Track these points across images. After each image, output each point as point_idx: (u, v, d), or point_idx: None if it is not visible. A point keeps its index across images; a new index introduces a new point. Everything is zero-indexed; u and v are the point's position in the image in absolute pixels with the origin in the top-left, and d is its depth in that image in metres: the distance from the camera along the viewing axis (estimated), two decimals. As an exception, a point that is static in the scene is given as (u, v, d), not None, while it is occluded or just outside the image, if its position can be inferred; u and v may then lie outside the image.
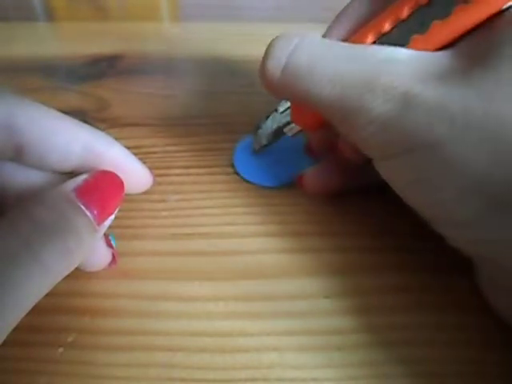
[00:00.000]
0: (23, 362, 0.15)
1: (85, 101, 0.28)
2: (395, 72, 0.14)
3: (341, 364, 0.15)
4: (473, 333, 0.16)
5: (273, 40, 0.16)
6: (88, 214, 0.13)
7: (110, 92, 0.28)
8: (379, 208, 0.20)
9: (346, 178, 0.20)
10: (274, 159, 0.22)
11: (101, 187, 0.14)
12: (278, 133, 0.20)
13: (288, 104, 0.20)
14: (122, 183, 0.15)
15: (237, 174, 0.22)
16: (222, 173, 0.22)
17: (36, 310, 0.14)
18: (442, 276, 0.17)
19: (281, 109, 0.20)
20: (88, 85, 0.29)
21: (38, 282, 0.12)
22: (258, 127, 0.21)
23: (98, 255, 0.16)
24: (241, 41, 0.34)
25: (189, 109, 0.27)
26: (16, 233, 0.12)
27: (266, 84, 0.17)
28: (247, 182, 0.21)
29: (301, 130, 0.19)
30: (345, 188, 0.20)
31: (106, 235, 0.17)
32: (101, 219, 0.14)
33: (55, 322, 0.16)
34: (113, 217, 0.15)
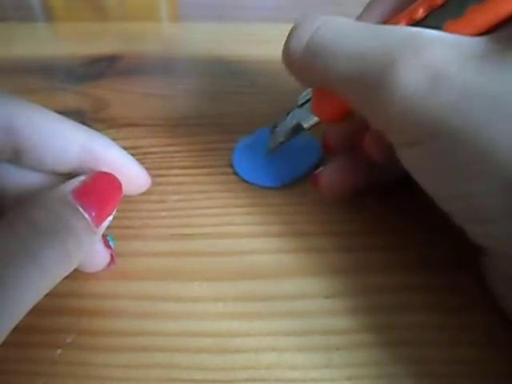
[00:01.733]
0: (22, 363, 0.15)
1: (83, 101, 0.28)
2: (426, 50, 0.13)
3: (340, 364, 0.15)
4: (478, 333, 0.15)
5: (297, 19, 0.16)
6: (86, 215, 0.13)
7: (109, 92, 0.28)
8: (380, 207, 0.20)
9: (363, 177, 0.19)
10: (273, 159, 0.22)
11: (99, 189, 0.14)
12: (297, 128, 0.19)
13: (308, 96, 0.19)
14: (120, 185, 0.15)
15: (236, 174, 0.22)
16: (222, 173, 0.22)
17: (34, 310, 0.14)
18: (446, 275, 0.17)
19: (301, 99, 0.19)
20: (87, 85, 0.29)
21: (36, 284, 0.12)
22: (276, 125, 0.21)
23: (96, 256, 0.16)
24: (240, 41, 0.34)
25: (188, 109, 0.27)
26: (14, 235, 0.12)
27: (288, 63, 0.16)
28: (246, 182, 0.21)
29: (318, 123, 0.18)
30: (361, 188, 0.19)
31: (104, 236, 0.17)
32: (99, 221, 0.14)
33: (54, 322, 0.16)
34: (111, 218, 0.15)
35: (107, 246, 0.17)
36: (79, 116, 0.26)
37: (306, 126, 0.19)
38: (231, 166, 0.22)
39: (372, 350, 0.15)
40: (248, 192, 0.21)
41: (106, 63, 0.32)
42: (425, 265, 0.18)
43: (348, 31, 0.15)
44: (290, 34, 0.16)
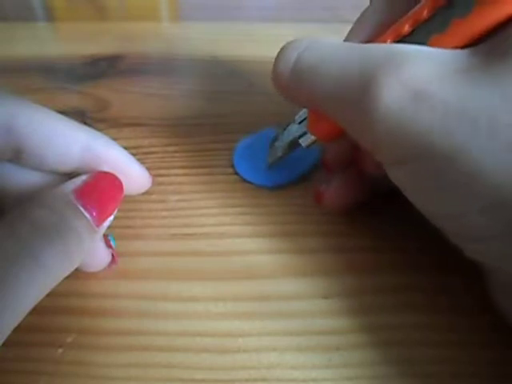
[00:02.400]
0: (23, 362, 0.15)
1: (84, 101, 0.28)
2: (407, 67, 0.12)
3: (340, 364, 0.15)
4: (468, 333, 0.16)
5: (285, 43, 0.16)
6: (87, 215, 0.13)
7: (110, 92, 0.28)
8: (376, 209, 0.20)
9: (365, 190, 0.19)
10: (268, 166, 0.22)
11: (100, 188, 0.14)
12: (294, 144, 0.20)
13: (305, 115, 0.19)
14: (121, 184, 0.15)
15: (236, 174, 0.22)
16: (222, 173, 0.22)
17: (36, 310, 0.14)
18: (439, 276, 0.17)
19: (298, 119, 0.19)
20: (87, 85, 0.29)
21: (38, 283, 0.12)
22: (275, 139, 0.21)
23: (97, 256, 0.17)
24: (241, 41, 0.34)
25: (188, 109, 0.27)
26: (16, 235, 0.12)
27: (277, 84, 0.17)
28: (247, 182, 0.21)
29: (316, 141, 0.18)
30: (364, 201, 0.19)
31: (105, 236, 0.17)
32: (100, 220, 0.14)
33: (55, 322, 0.16)
34: (112, 218, 0.15)
35: (108, 245, 0.17)
36: (80, 116, 0.26)
37: (304, 144, 0.19)
38: (232, 166, 0.22)
39: (372, 350, 0.15)
40: (248, 192, 0.21)
41: (107, 63, 0.32)
42: (420, 266, 0.18)
43: (331, 52, 0.15)
44: (277, 57, 0.16)
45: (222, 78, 0.30)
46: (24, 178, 0.15)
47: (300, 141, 0.19)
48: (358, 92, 0.13)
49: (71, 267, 0.13)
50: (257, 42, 0.33)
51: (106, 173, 0.15)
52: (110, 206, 0.14)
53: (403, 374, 0.15)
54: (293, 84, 0.16)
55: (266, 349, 0.15)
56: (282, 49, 0.16)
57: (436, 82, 0.12)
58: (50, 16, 0.39)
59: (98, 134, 0.16)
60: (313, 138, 0.18)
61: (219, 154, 0.23)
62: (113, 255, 0.17)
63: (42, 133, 0.14)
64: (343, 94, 0.14)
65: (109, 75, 0.30)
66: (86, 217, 0.13)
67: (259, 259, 0.18)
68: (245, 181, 0.21)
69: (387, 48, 0.13)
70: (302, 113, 0.19)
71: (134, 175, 0.16)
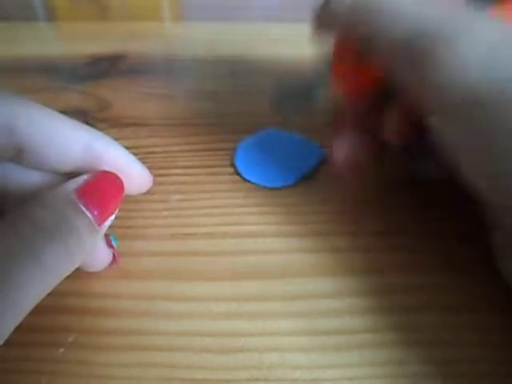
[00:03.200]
0: (24, 362, 0.15)
1: (86, 101, 0.28)
2: (481, 28, 0.13)
3: (342, 364, 0.15)
4: (502, 333, 0.16)
5: None
6: (88, 214, 0.13)
7: (111, 92, 0.28)
8: (381, 207, 0.20)
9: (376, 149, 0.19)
10: (275, 159, 0.22)
11: (101, 188, 0.14)
12: (312, 95, 0.19)
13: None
14: (122, 184, 0.15)
15: (238, 174, 0.22)
16: (224, 173, 0.22)
17: (37, 309, 0.14)
18: (440, 276, 0.17)
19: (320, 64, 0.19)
20: (89, 85, 0.29)
21: (39, 283, 0.12)
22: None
23: (98, 256, 0.16)
24: (243, 41, 0.34)
25: (190, 109, 0.27)
26: (17, 234, 0.12)
27: (329, 21, 0.16)
28: (248, 182, 0.21)
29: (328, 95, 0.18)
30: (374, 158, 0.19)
31: (106, 235, 0.17)
32: (101, 220, 0.14)
33: (56, 321, 0.16)
34: (113, 217, 0.15)
35: (109, 245, 0.17)
36: (82, 115, 0.26)
37: (318, 92, 0.18)
38: (233, 165, 0.22)
39: (374, 350, 0.15)
40: (250, 192, 0.21)
41: (109, 63, 0.32)
42: (424, 265, 0.18)
43: None
44: None
45: (225, 77, 0.30)
46: (25, 178, 0.15)
47: (314, 91, 0.19)
48: (431, 38, 0.13)
49: (72, 267, 0.13)
50: (259, 42, 0.33)
51: (107, 172, 0.15)
52: (112, 206, 0.14)
53: (409, 374, 0.14)
54: (353, 17, 0.15)
55: (268, 349, 0.15)
56: None
57: (506, 45, 0.13)
58: (52, 16, 0.39)
59: (99, 133, 0.16)
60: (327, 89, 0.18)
61: (221, 154, 0.23)
62: (114, 255, 0.17)
63: (43, 132, 0.14)
64: (414, 35, 0.14)
65: (110, 75, 0.30)
66: (87, 216, 0.13)
67: (261, 259, 0.18)
68: (246, 181, 0.21)
69: (461, 10, 0.14)
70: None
71: (134, 175, 0.16)
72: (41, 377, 0.15)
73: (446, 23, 0.14)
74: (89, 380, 0.14)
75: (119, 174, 0.15)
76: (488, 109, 0.13)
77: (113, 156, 0.15)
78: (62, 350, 0.15)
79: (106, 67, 0.31)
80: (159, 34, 0.36)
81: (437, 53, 0.13)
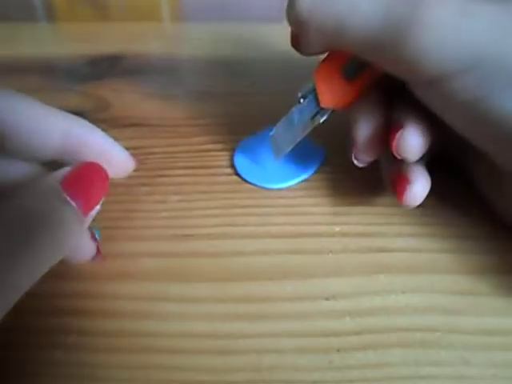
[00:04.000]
0: (23, 364, 0.15)
1: (85, 101, 0.28)
2: None
3: (341, 366, 0.15)
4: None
5: None
6: (73, 204, 0.13)
7: (111, 92, 0.28)
8: (376, 205, 0.20)
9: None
10: (274, 160, 0.22)
11: (85, 178, 0.14)
12: (307, 127, 0.19)
13: (306, 89, 0.18)
14: (106, 174, 0.15)
15: (237, 174, 0.22)
16: (223, 174, 0.22)
17: (36, 311, 0.14)
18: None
19: (300, 94, 0.18)
20: (88, 85, 0.29)
21: (28, 270, 0.12)
22: (274, 134, 0.20)
23: (82, 248, 0.17)
24: (242, 41, 0.34)
25: (189, 109, 0.27)
26: (5, 222, 0.12)
27: (295, 17, 0.16)
28: (247, 183, 0.21)
29: (332, 113, 0.18)
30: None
31: (90, 228, 0.17)
32: (86, 209, 0.14)
33: (55, 323, 0.16)
34: (98, 207, 0.15)
35: (93, 238, 0.17)
36: (81, 116, 0.26)
37: (322, 120, 0.18)
38: (232, 166, 0.22)
39: (373, 351, 0.15)
40: (249, 193, 0.21)
41: (108, 63, 0.32)
42: (418, 266, 0.18)
43: None
44: None
45: (224, 78, 0.30)
46: (8, 170, 0.15)
47: (315, 120, 0.18)
48: (404, 10, 0.14)
49: (60, 254, 0.13)
50: (258, 42, 0.33)
51: (91, 163, 0.15)
52: (96, 196, 0.15)
53: (409, 376, 0.14)
54: (316, 12, 0.15)
55: (267, 350, 0.15)
56: None
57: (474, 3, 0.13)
58: (52, 16, 0.39)
59: (79, 119, 0.16)
60: (328, 111, 0.18)
61: (220, 155, 0.23)
62: (98, 248, 0.17)
63: (23, 119, 0.14)
64: (388, 11, 0.14)
65: (109, 75, 0.30)
66: (72, 206, 0.13)
67: (260, 260, 0.18)
68: (245, 181, 0.21)
69: None
70: (305, 90, 0.18)
71: (116, 158, 0.16)
72: (40, 379, 0.14)
73: (409, 10, 0.14)
74: (88, 382, 0.14)
75: (100, 158, 0.16)
76: (453, 80, 0.14)
77: (93, 141, 0.16)
78: (60, 351, 0.15)
79: (105, 67, 0.31)
80: (158, 35, 0.36)
81: (415, 20, 0.14)
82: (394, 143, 0.16)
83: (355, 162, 0.18)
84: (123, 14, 0.40)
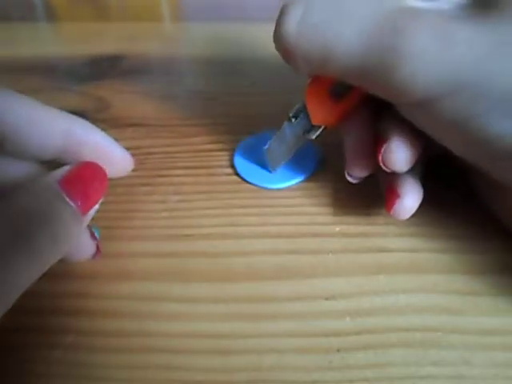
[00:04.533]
0: (21, 364, 0.15)
1: (85, 101, 0.28)
2: (425, 13, 0.14)
3: (341, 366, 0.15)
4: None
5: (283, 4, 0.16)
6: (72, 204, 0.14)
7: (111, 92, 0.28)
8: (376, 205, 0.20)
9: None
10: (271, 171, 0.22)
11: (84, 178, 0.15)
12: (298, 142, 0.19)
13: (297, 108, 0.19)
14: (105, 174, 0.15)
15: (237, 174, 0.22)
16: (223, 174, 0.22)
17: (35, 310, 0.14)
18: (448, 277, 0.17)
19: (291, 113, 0.19)
20: (88, 85, 0.29)
21: (27, 269, 0.12)
22: (270, 146, 0.21)
23: (82, 246, 0.17)
24: (242, 41, 0.34)
25: (189, 109, 0.27)
26: (4, 221, 0.12)
27: (282, 44, 0.16)
28: (247, 183, 0.21)
29: (324, 129, 0.18)
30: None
31: (89, 227, 0.17)
32: (85, 209, 0.14)
33: (55, 323, 0.16)
34: (97, 206, 0.15)
35: (93, 237, 0.17)
36: (81, 116, 0.26)
37: (313, 137, 0.19)
38: (232, 166, 0.22)
39: (373, 351, 0.15)
40: (249, 193, 0.21)
41: (108, 63, 0.32)
42: (418, 268, 0.18)
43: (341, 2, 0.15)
44: (280, 12, 0.16)
45: (224, 78, 0.30)
46: (8, 170, 0.15)
47: (307, 136, 0.19)
48: (386, 40, 0.14)
49: (59, 254, 0.13)
50: (258, 43, 0.33)
51: (89, 162, 0.15)
52: (95, 195, 0.15)
53: (410, 376, 0.14)
54: (302, 41, 0.15)
55: (267, 350, 0.15)
56: (284, 5, 0.16)
57: (453, 22, 0.13)
58: (52, 16, 0.39)
59: (79, 119, 0.16)
60: (319, 128, 0.18)
61: (220, 155, 0.23)
62: (97, 246, 0.17)
63: (22, 120, 0.14)
64: (368, 43, 0.14)
65: (110, 75, 0.30)
66: (71, 205, 0.13)
67: (260, 260, 0.18)
68: (245, 181, 0.21)
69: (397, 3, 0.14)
70: (296, 110, 0.19)
71: (115, 158, 0.16)
72: (38, 378, 0.14)
73: (396, 18, 0.14)
74: (87, 382, 0.14)
75: (100, 158, 0.16)
76: (438, 102, 0.14)
77: (92, 140, 0.16)
78: (59, 351, 0.15)
79: (105, 68, 0.31)
80: (158, 35, 0.36)
81: (389, 67, 0.14)
82: (380, 156, 0.16)
83: (349, 178, 0.19)
84: (123, 13, 0.40)
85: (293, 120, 0.19)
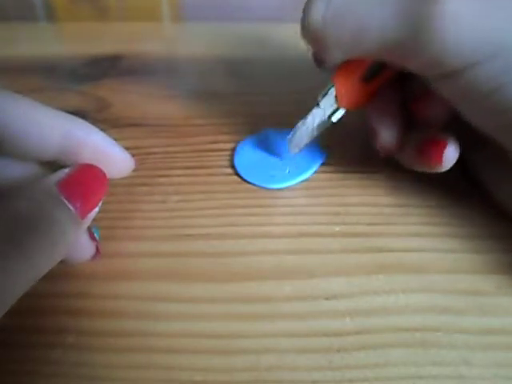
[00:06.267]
0: (22, 364, 0.15)
1: (85, 101, 0.28)
2: None
3: (340, 366, 0.15)
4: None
5: None
6: (70, 207, 0.13)
7: (111, 92, 0.28)
8: (376, 205, 0.20)
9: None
10: (274, 161, 0.22)
11: (83, 180, 0.14)
12: (323, 125, 0.20)
13: (325, 91, 0.19)
14: (104, 176, 0.15)
15: (237, 174, 0.22)
16: (223, 174, 0.22)
17: (35, 310, 0.14)
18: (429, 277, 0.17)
19: (319, 98, 0.19)
20: (88, 85, 0.29)
21: (23, 274, 0.12)
22: (294, 133, 0.21)
23: (81, 248, 0.17)
24: (242, 41, 0.34)
25: (189, 109, 0.27)
26: (2, 225, 0.12)
27: (311, 33, 0.16)
28: (247, 183, 0.21)
29: (346, 111, 0.19)
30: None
31: (89, 228, 0.17)
32: (84, 212, 0.14)
33: (54, 323, 0.16)
34: (97, 209, 0.15)
35: (92, 238, 0.17)
36: (81, 116, 0.26)
37: (335, 120, 0.19)
38: (232, 166, 0.22)
39: (373, 351, 0.15)
40: (249, 193, 0.21)
41: (108, 63, 0.32)
42: (415, 268, 0.18)
43: None
44: (307, 6, 0.16)
45: (224, 78, 0.30)
46: (6, 171, 0.15)
47: (331, 119, 0.19)
48: (420, 5, 0.14)
49: (56, 258, 0.13)
50: (258, 42, 0.33)
51: (89, 165, 0.15)
52: (94, 198, 0.14)
53: (409, 376, 0.14)
54: (333, 25, 0.15)
55: (266, 350, 0.15)
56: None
57: None
58: (51, 16, 0.39)
59: (78, 120, 0.16)
60: (342, 111, 0.19)
61: (220, 155, 0.23)
62: (97, 247, 0.17)
63: (21, 121, 0.14)
64: (402, 12, 0.14)
65: (110, 75, 0.30)
66: (69, 209, 0.13)
67: (260, 260, 0.18)
68: (245, 181, 0.21)
69: None
70: (323, 94, 0.19)
71: (115, 159, 0.16)
72: (38, 378, 0.14)
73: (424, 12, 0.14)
74: (87, 382, 0.14)
75: (100, 159, 0.15)
76: (473, 70, 0.14)
77: (92, 141, 0.16)
78: (60, 351, 0.15)
79: (105, 68, 0.31)
80: (158, 35, 0.36)
81: (425, 34, 0.14)
82: (441, 158, 0.17)
83: (381, 152, 0.19)
84: (123, 13, 0.40)
85: (320, 104, 0.19)
